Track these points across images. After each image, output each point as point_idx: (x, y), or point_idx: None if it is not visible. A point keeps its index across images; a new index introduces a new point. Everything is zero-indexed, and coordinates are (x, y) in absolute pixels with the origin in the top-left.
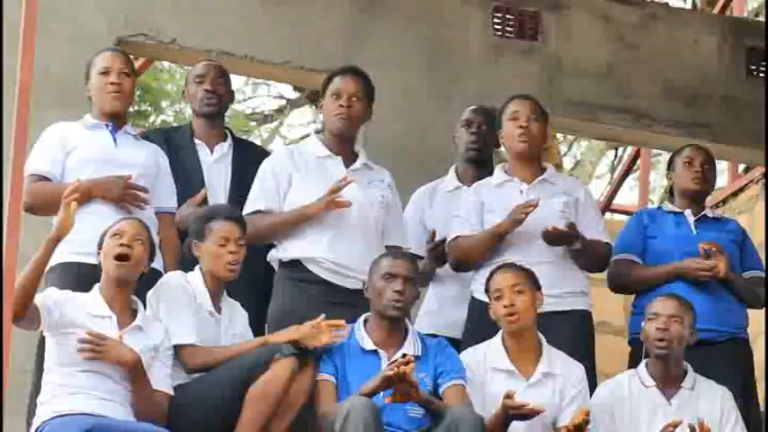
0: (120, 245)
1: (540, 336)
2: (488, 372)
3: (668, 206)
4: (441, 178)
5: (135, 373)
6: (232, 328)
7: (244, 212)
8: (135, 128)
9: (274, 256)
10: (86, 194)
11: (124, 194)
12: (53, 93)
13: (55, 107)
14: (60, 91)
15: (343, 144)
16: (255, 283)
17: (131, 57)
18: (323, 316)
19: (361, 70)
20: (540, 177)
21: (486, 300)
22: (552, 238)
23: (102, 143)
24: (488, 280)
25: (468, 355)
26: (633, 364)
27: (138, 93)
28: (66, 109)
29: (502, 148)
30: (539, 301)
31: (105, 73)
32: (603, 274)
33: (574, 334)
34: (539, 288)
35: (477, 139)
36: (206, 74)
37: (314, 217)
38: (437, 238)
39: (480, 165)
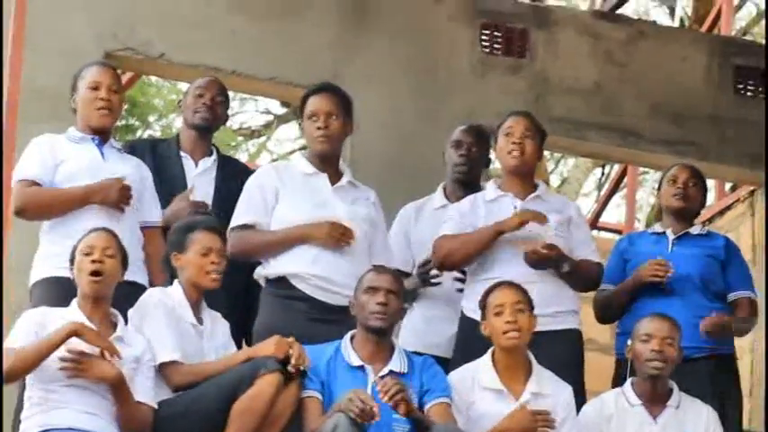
0: (93, 261)
1: (530, 355)
2: (477, 391)
3: (654, 227)
4: (428, 196)
5: (117, 388)
6: (214, 340)
7: (231, 226)
8: (119, 141)
9: (260, 272)
10: (84, 201)
11: (121, 197)
12: (41, 106)
13: (42, 120)
14: (48, 104)
15: (328, 162)
16: (236, 298)
17: (119, 71)
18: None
19: (336, 86)
20: (533, 194)
21: (478, 318)
22: (533, 261)
23: (90, 157)
24: (486, 295)
25: (457, 375)
26: (618, 382)
27: (125, 107)
28: (53, 122)
29: (490, 168)
30: (534, 322)
31: (95, 88)
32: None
33: (566, 354)
34: (533, 309)
35: (465, 161)
36: (207, 88)
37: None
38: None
39: (468, 185)
